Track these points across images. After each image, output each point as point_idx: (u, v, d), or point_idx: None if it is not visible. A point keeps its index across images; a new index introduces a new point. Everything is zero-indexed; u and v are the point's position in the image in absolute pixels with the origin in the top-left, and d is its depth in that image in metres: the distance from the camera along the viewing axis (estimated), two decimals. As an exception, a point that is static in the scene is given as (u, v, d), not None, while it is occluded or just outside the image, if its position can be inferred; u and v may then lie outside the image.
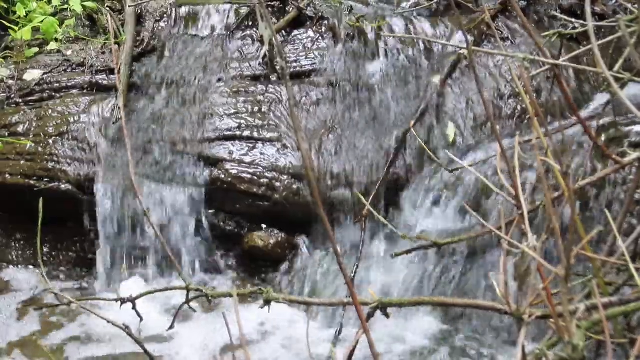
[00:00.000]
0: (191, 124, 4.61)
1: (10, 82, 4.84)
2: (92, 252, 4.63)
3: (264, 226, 4.54)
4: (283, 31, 4.87)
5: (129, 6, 4.95)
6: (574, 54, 2.95)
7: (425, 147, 4.18)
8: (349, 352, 2.55)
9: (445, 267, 4.04)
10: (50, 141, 4.65)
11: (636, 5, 3.64)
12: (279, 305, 4.15)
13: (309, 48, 4.81)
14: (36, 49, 4.99)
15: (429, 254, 3.99)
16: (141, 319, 3.16)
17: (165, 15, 5.04)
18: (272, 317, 4.18)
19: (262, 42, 4.81)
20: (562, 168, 1.98)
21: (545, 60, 2.48)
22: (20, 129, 4.70)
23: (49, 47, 5.00)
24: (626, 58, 3.09)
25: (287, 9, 4.97)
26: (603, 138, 3.85)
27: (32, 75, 4.87)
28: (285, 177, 4.46)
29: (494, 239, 3.83)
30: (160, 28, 5.01)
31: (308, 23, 4.91)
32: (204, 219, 4.53)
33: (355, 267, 4.17)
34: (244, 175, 4.48)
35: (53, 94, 4.81)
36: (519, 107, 4.50)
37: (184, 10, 5.04)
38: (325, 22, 4.87)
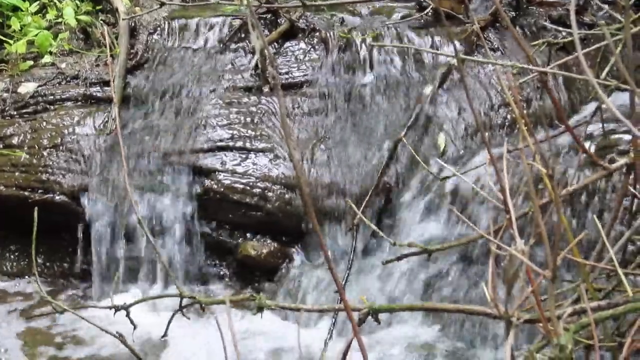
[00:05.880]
0: (184, 135, 4.64)
1: (5, 94, 4.88)
2: (86, 262, 4.66)
3: (257, 236, 4.56)
4: (275, 43, 4.91)
5: (123, 19, 4.98)
6: (561, 61, 3.00)
7: (416, 156, 4.21)
8: (342, 357, 2.57)
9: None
10: (45, 153, 4.68)
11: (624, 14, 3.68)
12: (271, 315, 4.20)
13: (300, 59, 4.85)
14: (31, 62, 5.03)
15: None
16: (135, 327, 3.18)
17: (158, 28, 5.08)
18: (265, 328, 4.21)
19: (254, 53, 4.85)
20: (549, 172, 2.01)
21: (534, 68, 2.52)
22: (14, 141, 4.74)
23: (43, 60, 5.04)
24: (613, 66, 3.14)
25: (279, 21, 5.01)
26: (592, 146, 3.89)
27: (27, 88, 4.91)
28: (278, 187, 4.49)
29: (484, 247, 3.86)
30: (153, 41, 5.05)
31: (300, 35, 4.94)
32: (197, 229, 4.56)
33: (347, 274, 4.20)
34: (236, 185, 4.51)
35: (47, 106, 4.85)
36: (509, 117, 4.54)
37: (177, 23, 5.08)
38: (317, 33, 4.92)
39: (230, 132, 4.65)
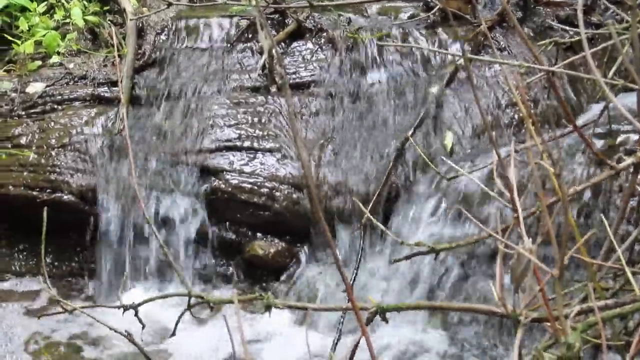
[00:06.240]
0: (192, 134, 4.66)
1: (14, 94, 4.89)
2: (94, 262, 4.67)
3: (264, 235, 4.57)
4: (282, 43, 4.92)
5: (130, 20, 5.00)
6: (568, 60, 3.00)
7: (423, 155, 4.22)
8: (349, 356, 2.57)
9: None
10: (53, 153, 4.70)
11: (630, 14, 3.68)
12: (279, 315, 4.21)
13: (308, 59, 4.87)
14: (39, 62, 5.05)
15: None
16: (143, 326, 3.19)
17: (166, 29, 5.10)
18: (272, 328, 4.22)
19: (261, 53, 4.86)
20: (556, 170, 2.02)
21: (541, 68, 2.53)
22: (23, 140, 4.75)
23: (51, 61, 5.06)
24: (620, 66, 3.14)
25: (286, 21, 5.02)
26: (599, 145, 3.89)
27: (35, 88, 4.92)
28: (285, 186, 4.50)
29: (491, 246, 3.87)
30: (161, 41, 5.06)
31: (307, 35, 4.96)
32: (204, 229, 4.57)
33: (355, 273, 4.21)
34: (244, 185, 4.52)
35: (55, 106, 4.87)
36: (516, 117, 4.54)
37: (184, 23, 5.09)
38: (325, 34, 4.93)
39: (238, 132, 4.66)
